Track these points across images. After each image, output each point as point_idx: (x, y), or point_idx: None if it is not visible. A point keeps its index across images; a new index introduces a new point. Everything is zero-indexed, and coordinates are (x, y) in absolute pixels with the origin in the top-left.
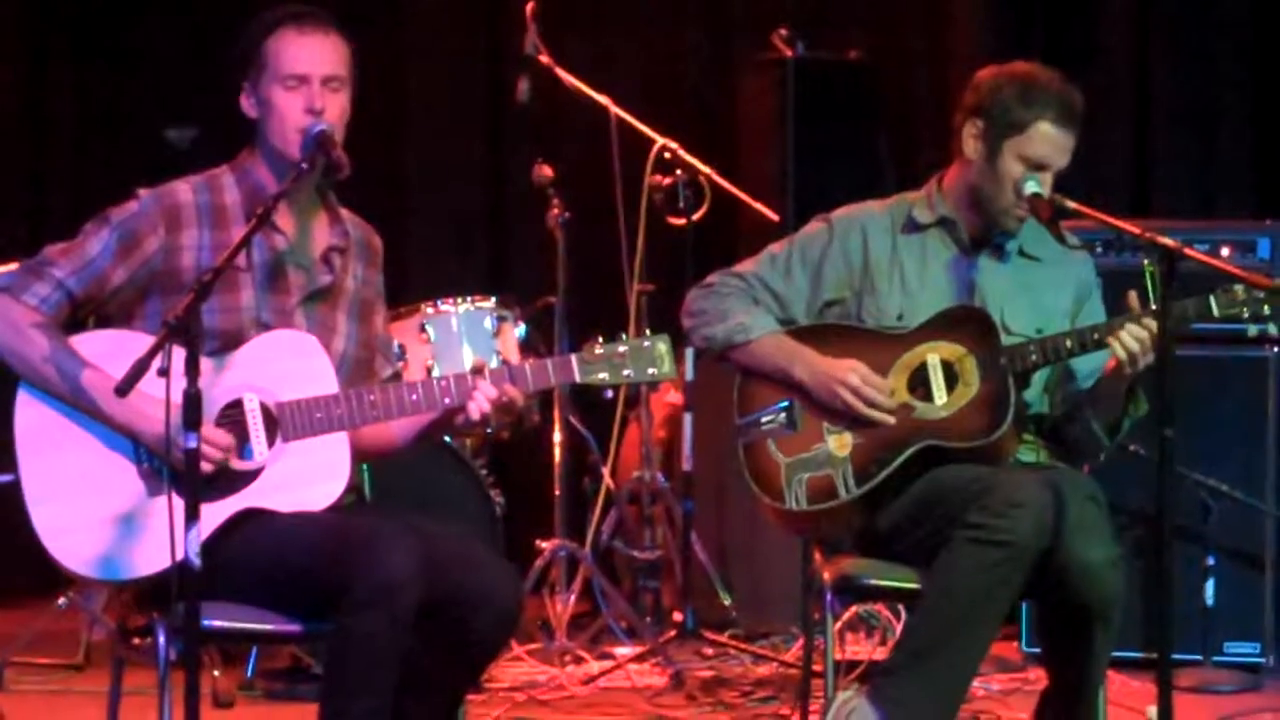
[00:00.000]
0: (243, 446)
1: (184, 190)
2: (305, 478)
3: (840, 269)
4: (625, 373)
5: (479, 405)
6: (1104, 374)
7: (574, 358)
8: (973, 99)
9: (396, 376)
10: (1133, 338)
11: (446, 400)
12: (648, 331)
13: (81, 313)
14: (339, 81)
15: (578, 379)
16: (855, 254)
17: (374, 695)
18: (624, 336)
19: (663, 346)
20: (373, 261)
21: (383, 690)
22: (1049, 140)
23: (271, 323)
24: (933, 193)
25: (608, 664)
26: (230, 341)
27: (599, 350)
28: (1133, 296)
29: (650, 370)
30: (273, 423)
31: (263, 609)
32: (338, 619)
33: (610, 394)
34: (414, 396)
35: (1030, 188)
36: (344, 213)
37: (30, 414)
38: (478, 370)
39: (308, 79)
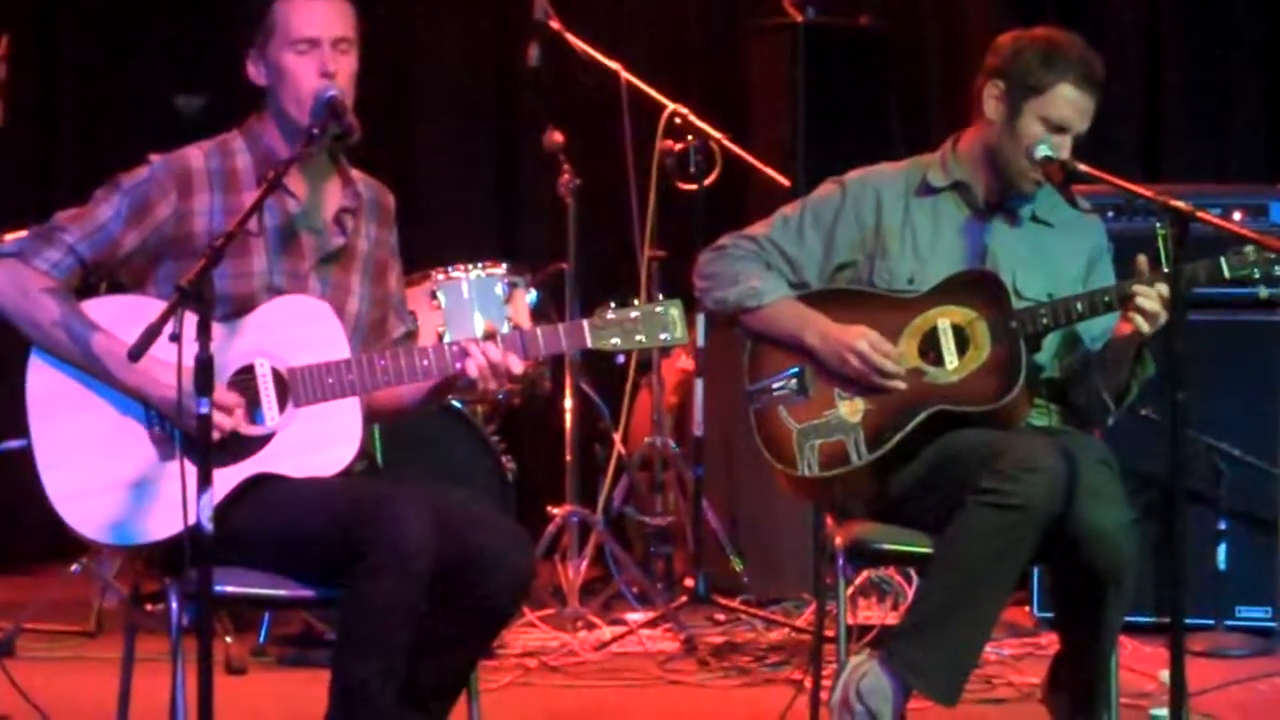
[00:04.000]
0: (254, 412)
1: (195, 155)
2: (317, 443)
3: (853, 231)
4: (637, 338)
5: (480, 365)
6: (1114, 336)
7: (585, 323)
8: (994, 61)
9: (409, 336)
10: (1147, 301)
11: (458, 365)
12: (659, 296)
13: (93, 278)
14: (348, 43)
15: (590, 344)
16: (868, 216)
17: (386, 658)
18: (636, 301)
19: (675, 311)
20: (385, 220)
21: (395, 653)
22: (1070, 102)
23: (285, 287)
24: (947, 155)
25: (620, 630)
26: (243, 306)
27: (611, 315)
28: (1142, 260)
29: (662, 335)
30: (284, 388)
31: (275, 574)
32: (352, 583)
33: (622, 359)
34: (425, 362)
35: (1041, 151)
36: (355, 173)
37: (42, 379)
38: (489, 336)
39: (318, 42)
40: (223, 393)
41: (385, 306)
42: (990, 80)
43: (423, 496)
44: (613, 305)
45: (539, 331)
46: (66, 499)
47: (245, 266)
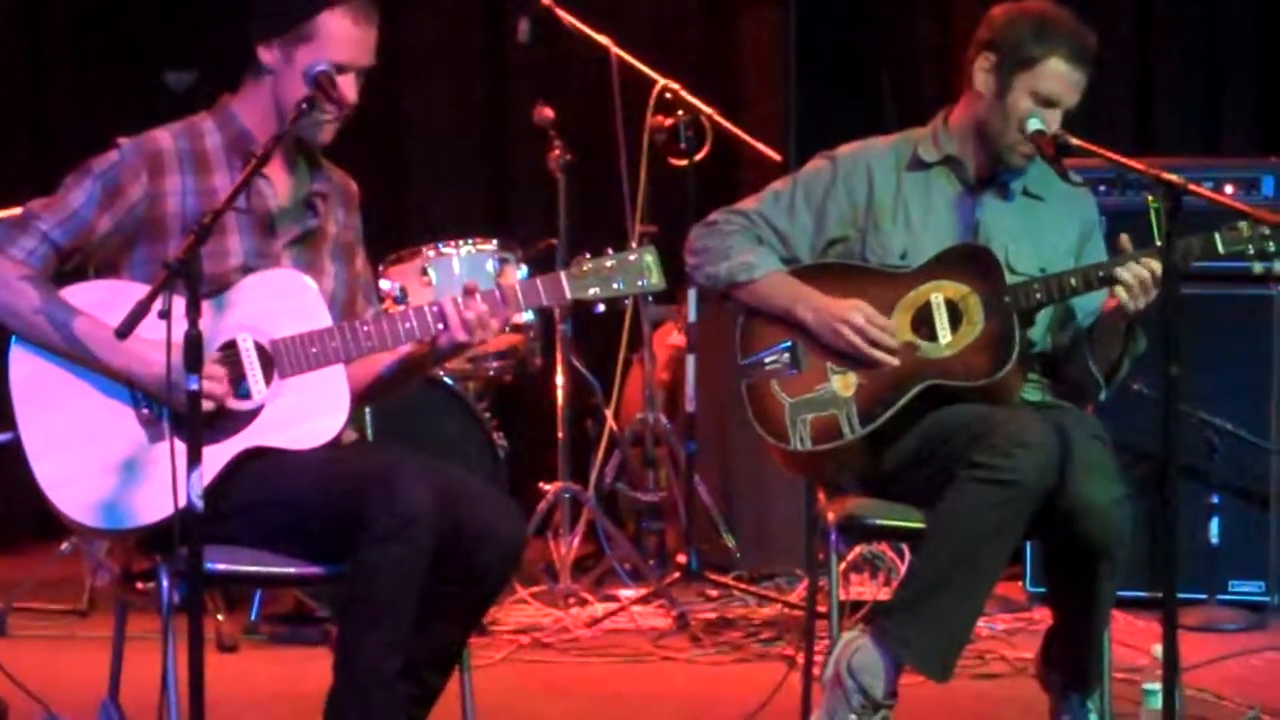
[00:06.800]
0: (240, 386)
1: (164, 138)
2: (306, 413)
3: (844, 206)
4: (615, 285)
5: (465, 316)
6: (1103, 312)
7: (563, 274)
8: (986, 33)
9: (378, 317)
10: (1135, 276)
11: (440, 326)
12: (632, 244)
13: (68, 265)
14: (367, 71)
15: (569, 295)
16: (859, 191)
17: (392, 629)
18: (610, 250)
19: (649, 257)
20: (351, 206)
21: (402, 622)
22: (1060, 76)
23: (258, 266)
24: (938, 129)
25: (612, 606)
26: (218, 286)
27: (587, 265)
28: (1124, 239)
29: (640, 281)
30: (268, 361)
31: (273, 552)
32: (356, 553)
33: (601, 309)
34: (408, 325)
35: (1033, 125)
36: (323, 161)
37: (24, 369)
38: (469, 291)
39: (348, 69)
40: (209, 367)
41: (354, 288)
42: (981, 52)
43: (421, 465)
44: (588, 255)
45: (518, 286)
46: (58, 487)
47: (221, 246)
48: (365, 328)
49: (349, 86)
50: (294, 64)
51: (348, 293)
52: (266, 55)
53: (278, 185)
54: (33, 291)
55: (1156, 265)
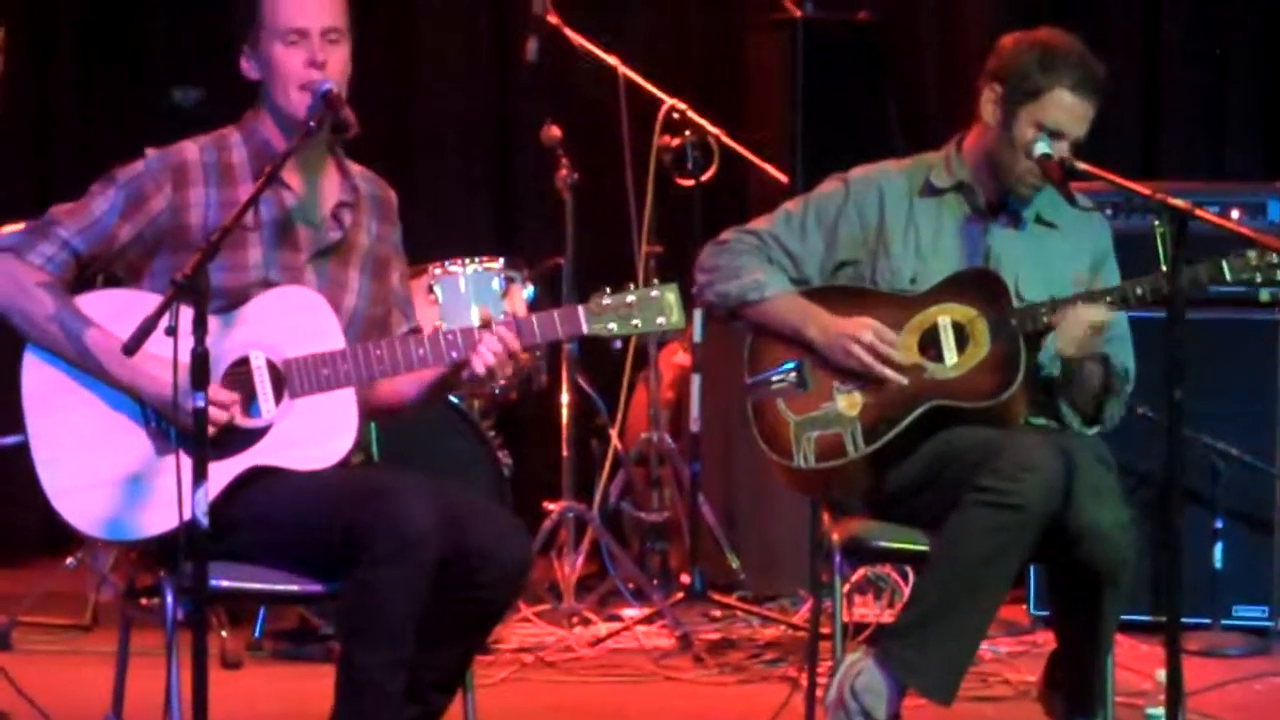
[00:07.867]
0: (250, 404)
1: (191, 149)
2: (314, 434)
3: (855, 229)
4: (634, 323)
5: (484, 358)
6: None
7: (581, 309)
8: (994, 63)
9: (414, 333)
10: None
11: (453, 354)
12: (655, 281)
13: (88, 272)
14: (338, 33)
15: (585, 330)
16: (870, 214)
17: (395, 648)
18: (631, 286)
19: (671, 296)
20: (388, 216)
21: (403, 642)
22: (1065, 108)
23: (280, 280)
24: (951, 155)
25: (615, 626)
26: (237, 299)
27: (606, 301)
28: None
29: (659, 320)
30: (280, 380)
31: (276, 569)
32: (358, 573)
33: (619, 344)
34: (420, 351)
35: (1040, 149)
36: (354, 168)
37: (38, 375)
38: (485, 324)
39: (306, 33)
40: (217, 390)
41: (387, 304)
42: (989, 83)
43: (425, 485)
44: (608, 290)
45: (534, 318)
46: (63, 495)
47: (240, 259)
48: (377, 352)
49: (314, 51)
50: (264, 60)
51: (377, 308)
52: (248, 69)
53: (301, 197)
54: (48, 298)
55: (1100, 313)
